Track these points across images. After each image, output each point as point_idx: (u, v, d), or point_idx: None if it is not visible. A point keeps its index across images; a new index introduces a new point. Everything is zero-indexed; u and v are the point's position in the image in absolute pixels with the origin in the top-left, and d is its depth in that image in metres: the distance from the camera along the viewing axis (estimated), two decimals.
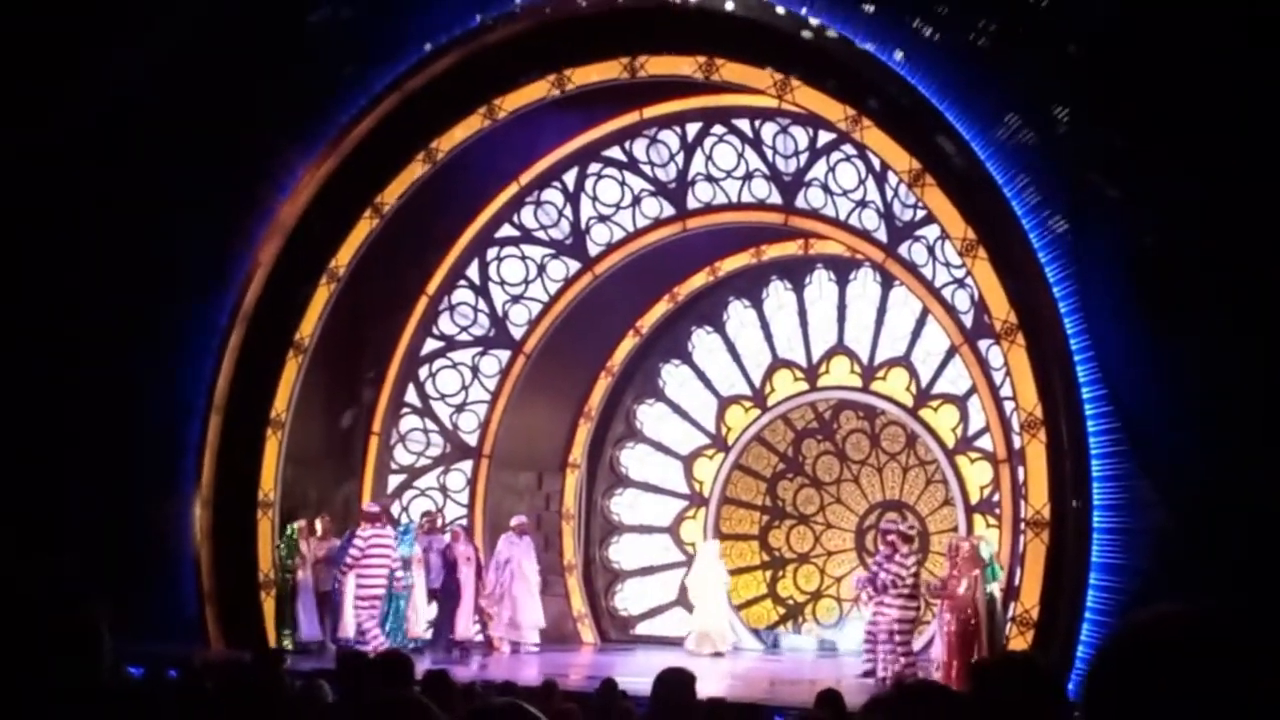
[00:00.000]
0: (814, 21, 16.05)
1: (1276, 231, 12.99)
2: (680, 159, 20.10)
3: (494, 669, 17.50)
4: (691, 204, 20.17)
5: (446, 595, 19.57)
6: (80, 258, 17.85)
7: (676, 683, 6.87)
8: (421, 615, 19.41)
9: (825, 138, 18.67)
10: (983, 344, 17.30)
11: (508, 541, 20.19)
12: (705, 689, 13.34)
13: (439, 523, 20.67)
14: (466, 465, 21.54)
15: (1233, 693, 1.82)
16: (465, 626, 19.59)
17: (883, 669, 16.52)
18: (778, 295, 22.02)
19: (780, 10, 16.31)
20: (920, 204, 16.88)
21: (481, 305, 21.33)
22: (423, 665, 10.29)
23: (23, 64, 17.59)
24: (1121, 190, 13.97)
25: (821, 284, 21.64)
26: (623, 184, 20.52)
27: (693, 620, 20.69)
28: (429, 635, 19.49)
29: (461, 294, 21.33)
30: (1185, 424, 13.51)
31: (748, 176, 19.69)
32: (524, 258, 21.18)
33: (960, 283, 17.40)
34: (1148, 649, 1.91)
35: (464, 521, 20.98)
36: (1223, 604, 1.92)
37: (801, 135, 19.09)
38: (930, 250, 17.87)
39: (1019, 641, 14.83)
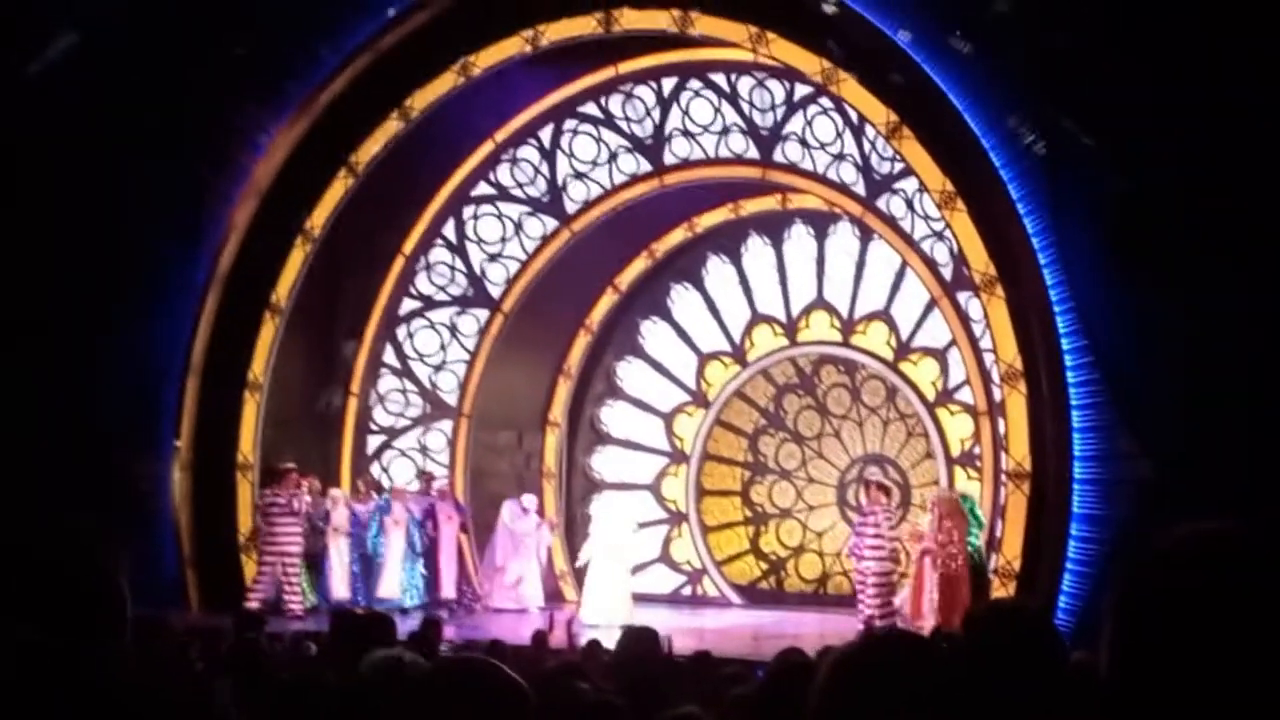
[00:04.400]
0: None
1: (1253, 178, 12.96)
2: (656, 114, 20.00)
3: (480, 628, 17.50)
4: (668, 159, 20.06)
5: (430, 554, 19.52)
6: (54, 219, 17.67)
7: (640, 641, 6.85)
8: (396, 577, 19.38)
9: (802, 91, 18.57)
10: (962, 296, 17.28)
11: (516, 512, 20.31)
12: (685, 644, 13.34)
13: (433, 482, 20.59)
14: (446, 425, 21.49)
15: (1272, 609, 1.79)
16: (448, 585, 19.56)
17: (864, 621, 16.55)
18: (756, 250, 21.94)
19: None
20: (898, 157, 16.82)
21: (459, 264, 21.24)
22: (404, 626, 10.26)
23: None
24: (1097, 139, 13.92)
25: (800, 238, 21.56)
26: (599, 140, 20.41)
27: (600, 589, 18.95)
28: (409, 597, 19.40)
29: (438, 253, 21.22)
30: (1164, 374, 13.51)
31: (724, 131, 19.59)
32: (501, 216, 21.07)
33: (939, 235, 17.36)
34: (1187, 565, 1.88)
35: (444, 482, 20.88)
36: (1257, 522, 1.89)
37: (778, 89, 18.99)
38: (909, 203, 17.82)
39: (1000, 593, 14.87)
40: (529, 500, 20.69)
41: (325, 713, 3.62)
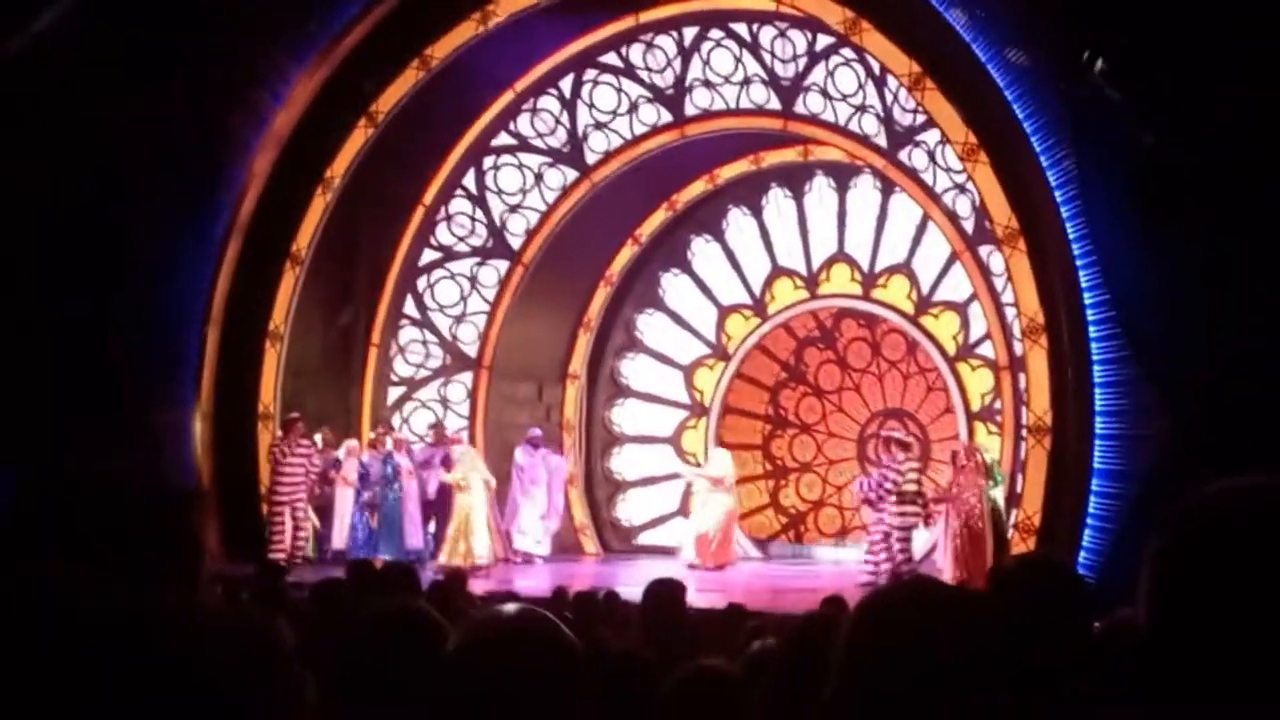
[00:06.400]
0: None
1: (1278, 131, 12.85)
2: (677, 64, 19.87)
3: (498, 579, 17.56)
4: (689, 110, 19.96)
5: (443, 506, 19.55)
6: (72, 168, 17.65)
7: (665, 593, 6.88)
8: (418, 527, 19.41)
9: (824, 41, 18.43)
10: (984, 250, 17.21)
11: (527, 451, 20.17)
12: (709, 600, 13.38)
13: (445, 434, 20.59)
14: (466, 377, 21.49)
15: None
16: None
17: (884, 576, 16.58)
18: (777, 203, 21.86)
19: None
20: (920, 108, 16.72)
21: (479, 215, 21.19)
22: (425, 576, 10.30)
23: None
24: (1122, 91, 13.81)
25: (821, 191, 21.47)
26: (620, 90, 20.31)
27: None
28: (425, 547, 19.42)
29: (458, 204, 21.18)
30: (1187, 329, 13.45)
31: (746, 82, 19.47)
32: (521, 166, 21.00)
33: (961, 188, 17.27)
34: (1230, 518, 1.86)
35: (465, 432, 20.92)
36: None
37: (800, 39, 18.85)
38: (931, 156, 17.71)
39: (1021, 548, 14.86)
40: (534, 432, 20.41)
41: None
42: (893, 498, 16.94)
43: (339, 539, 19.24)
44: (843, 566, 19.77)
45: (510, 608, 2.77)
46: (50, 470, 2.35)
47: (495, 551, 19.34)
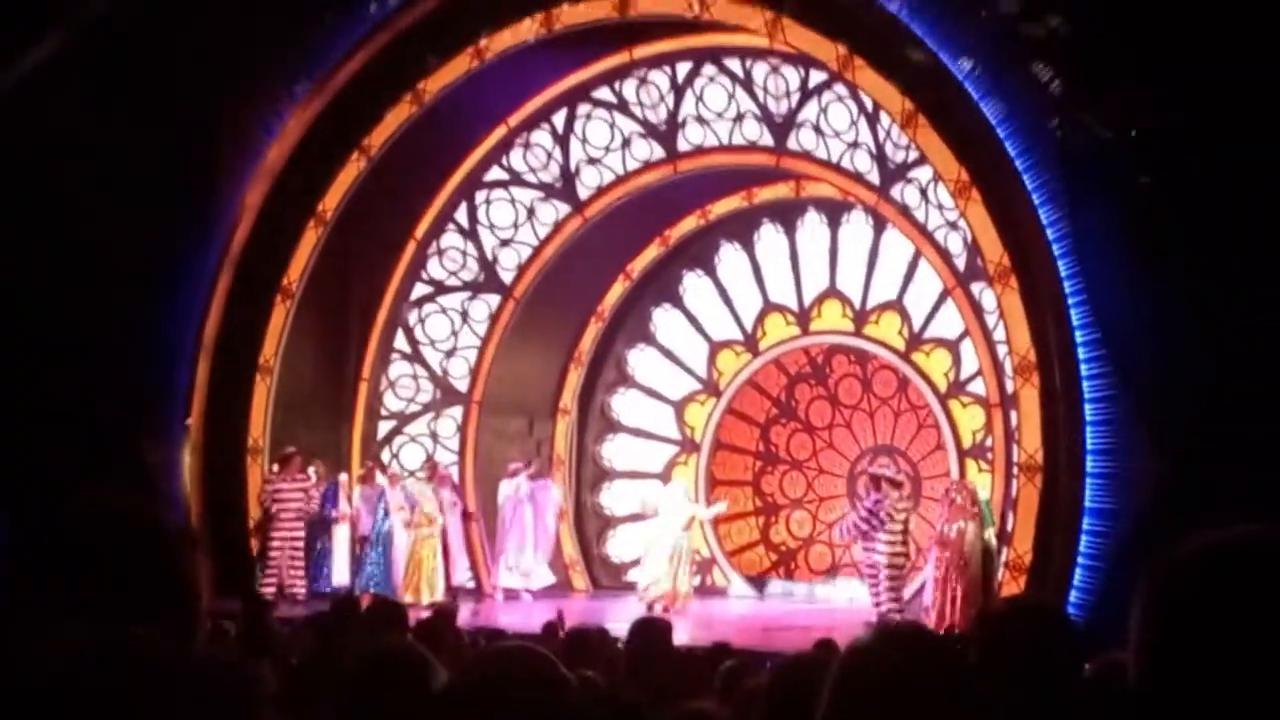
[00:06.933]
0: None
1: (1273, 168, 12.86)
2: (670, 100, 19.89)
3: (487, 615, 17.48)
4: (682, 146, 19.96)
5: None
6: (64, 201, 17.62)
7: (650, 631, 6.84)
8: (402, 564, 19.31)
9: (817, 78, 18.46)
10: (975, 287, 17.18)
11: (503, 487, 20.11)
12: (702, 637, 13.30)
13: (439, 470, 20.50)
14: (457, 411, 21.43)
15: None
16: (455, 573, 19.51)
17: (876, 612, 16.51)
18: (769, 238, 21.84)
19: None
20: (913, 145, 16.72)
21: (470, 249, 21.17)
22: (413, 613, 10.23)
23: None
24: (1115, 129, 13.83)
25: (813, 227, 21.46)
26: (613, 126, 20.31)
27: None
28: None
29: (450, 238, 21.15)
30: (1179, 367, 13.44)
31: (739, 118, 19.49)
32: (513, 201, 20.99)
33: (953, 225, 17.25)
34: (1222, 570, 1.83)
35: (455, 467, 20.85)
36: None
37: (793, 76, 18.88)
38: (923, 192, 17.70)
39: (1012, 587, 14.80)
40: (515, 466, 20.34)
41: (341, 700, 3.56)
42: (882, 534, 16.86)
43: (336, 575, 19.14)
44: (834, 604, 19.70)
45: (506, 645, 2.75)
46: (41, 510, 2.29)
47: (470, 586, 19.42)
